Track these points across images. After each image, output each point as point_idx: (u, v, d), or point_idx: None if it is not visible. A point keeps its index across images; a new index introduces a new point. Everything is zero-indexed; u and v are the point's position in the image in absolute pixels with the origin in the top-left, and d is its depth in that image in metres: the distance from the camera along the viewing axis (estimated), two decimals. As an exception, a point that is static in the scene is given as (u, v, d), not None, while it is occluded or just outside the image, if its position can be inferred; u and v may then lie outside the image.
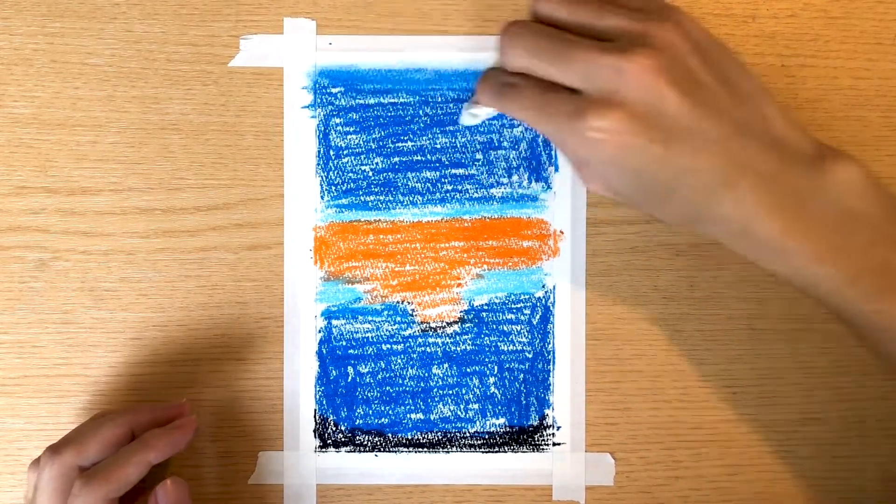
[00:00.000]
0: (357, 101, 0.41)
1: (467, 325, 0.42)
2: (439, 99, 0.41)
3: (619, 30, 0.33)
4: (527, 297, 0.42)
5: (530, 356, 0.42)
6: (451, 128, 0.41)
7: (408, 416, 0.42)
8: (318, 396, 0.42)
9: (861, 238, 0.32)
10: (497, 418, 0.42)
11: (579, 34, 0.33)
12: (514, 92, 0.34)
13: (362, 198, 0.42)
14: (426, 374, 0.42)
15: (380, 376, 0.42)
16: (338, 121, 0.42)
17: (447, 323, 0.42)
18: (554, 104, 0.33)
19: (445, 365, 0.42)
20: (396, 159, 0.42)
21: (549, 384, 0.42)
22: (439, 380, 0.42)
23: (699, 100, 0.32)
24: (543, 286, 0.42)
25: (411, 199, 0.42)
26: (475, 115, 0.39)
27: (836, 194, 0.32)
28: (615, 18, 0.33)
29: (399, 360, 0.42)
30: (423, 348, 0.42)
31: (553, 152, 0.41)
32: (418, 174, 0.41)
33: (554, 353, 0.42)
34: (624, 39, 0.33)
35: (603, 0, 0.35)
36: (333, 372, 0.42)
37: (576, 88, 0.33)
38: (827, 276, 0.32)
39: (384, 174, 0.42)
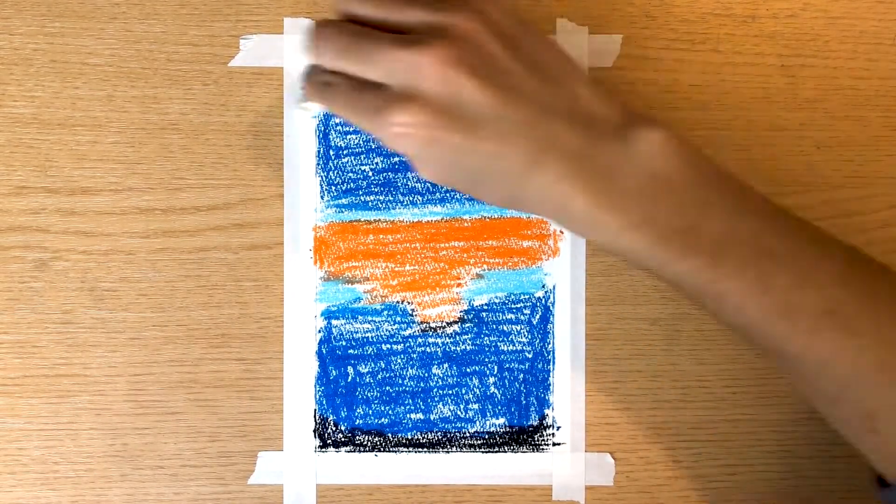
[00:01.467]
0: (357, 101, 0.41)
1: (467, 325, 0.42)
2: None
3: (419, 22, 0.33)
4: (527, 297, 0.42)
5: (530, 356, 0.42)
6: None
7: (408, 416, 0.42)
8: (318, 396, 0.42)
9: (666, 204, 0.32)
10: (497, 418, 0.42)
11: (386, 29, 0.34)
12: (331, 90, 0.35)
13: (362, 198, 0.42)
14: (426, 374, 0.42)
15: (380, 376, 0.42)
16: (337, 120, 0.42)
17: (447, 323, 0.42)
18: (364, 101, 0.33)
19: (445, 365, 0.42)
20: (396, 159, 0.42)
21: (549, 384, 0.42)
22: (439, 380, 0.42)
23: (500, 85, 0.32)
24: (543, 286, 0.42)
25: (411, 199, 0.42)
26: (306, 108, 0.40)
27: (642, 162, 0.33)
28: (416, 11, 0.34)
29: (399, 360, 0.42)
30: (423, 348, 0.42)
31: (553, 152, 0.41)
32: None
33: (554, 353, 0.42)
34: (423, 32, 0.33)
35: None
36: (333, 372, 0.42)
37: (382, 84, 0.33)
38: (636, 244, 0.33)
39: (384, 174, 0.42)
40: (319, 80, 0.35)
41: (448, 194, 0.42)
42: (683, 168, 0.33)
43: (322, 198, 0.42)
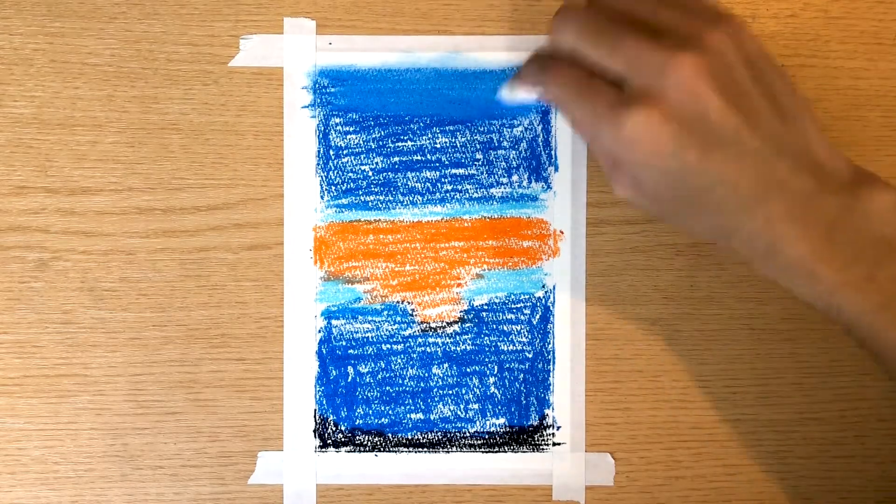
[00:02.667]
0: (357, 101, 0.41)
1: (467, 325, 0.42)
2: (439, 99, 0.41)
3: (672, 27, 0.32)
4: (527, 297, 0.42)
5: (530, 356, 0.42)
6: (451, 127, 0.42)
7: (408, 416, 0.42)
8: (318, 396, 0.42)
9: (891, 268, 0.31)
10: (497, 418, 0.42)
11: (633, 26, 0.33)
12: (557, 69, 0.33)
13: (362, 198, 0.42)
14: (426, 374, 0.42)
15: (380, 376, 0.42)
16: (338, 121, 0.42)
17: (447, 323, 0.42)
18: (595, 90, 0.32)
19: (445, 365, 0.42)
20: (396, 159, 0.42)
21: (549, 384, 0.42)
22: (439, 380, 0.42)
23: (741, 109, 0.31)
24: (543, 286, 0.42)
25: (411, 199, 0.42)
26: (512, 95, 0.37)
27: (870, 221, 0.31)
28: (671, 16, 0.32)
29: (399, 360, 0.42)
30: (423, 348, 0.42)
31: (553, 152, 0.41)
32: (418, 174, 0.41)
33: (554, 353, 0.42)
34: (675, 37, 0.32)
35: None
36: (333, 372, 0.42)
37: (619, 82, 0.32)
38: (853, 304, 0.31)
39: (384, 174, 0.42)
40: (546, 62, 0.33)
41: (448, 194, 0.42)
42: None
43: (322, 198, 0.42)
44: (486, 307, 0.42)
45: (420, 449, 0.42)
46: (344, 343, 0.42)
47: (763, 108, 0.32)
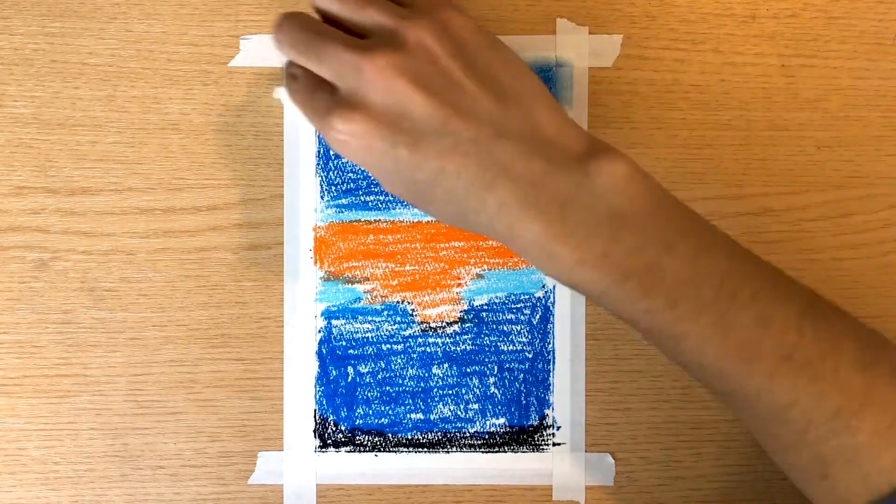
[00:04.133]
0: (357, 101, 0.41)
1: (467, 325, 0.42)
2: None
3: (375, 25, 0.33)
4: (527, 297, 0.42)
5: (530, 356, 0.42)
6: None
7: (408, 416, 0.42)
8: (317, 396, 0.42)
9: (626, 241, 0.31)
10: (497, 418, 0.42)
11: (347, 30, 0.33)
12: (293, 84, 0.34)
13: (362, 198, 0.42)
14: (426, 374, 0.42)
15: (380, 376, 0.42)
16: (338, 121, 0.41)
17: (447, 323, 0.42)
18: (315, 100, 0.33)
19: (445, 365, 0.42)
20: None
21: (549, 384, 0.42)
22: (439, 380, 0.42)
23: (449, 100, 0.31)
24: (543, 286, 0.42)
25: (411, 199, 0.42)
26: (279, 98, 0.41)
27: (601, 195, 0.31)
28: (376, 14, 0.33)
29: (399, 360, 0.42)
30: (423, 348, 0.42)
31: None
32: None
33: (554, 353, 0.42)
34: (378, 37, 0.32)
35: None
36: (333, 372, 0.42)
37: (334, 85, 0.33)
38: (592, 281, 0.31)
39: (384, 174, 0.42)
40: (288, 72, 0.34)
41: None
42: (646, 205, 0.31)
43: (322, 198, 0.42)
44: (486, 307, 0.42)
45: (420, 449, 0.42)
46: (344, 343, 0.42)
47: (476, 95, 0.32)
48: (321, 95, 0.33)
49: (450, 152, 0.31)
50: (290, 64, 0.34)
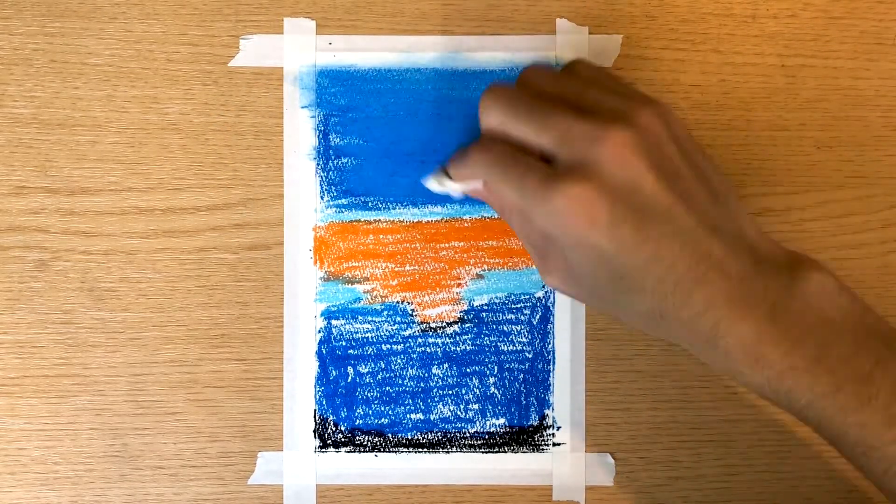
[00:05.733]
0: (357, 101, 0.41)
1: (467, 325, 0.42)
2: (439, 99, 0.41)
3: (601, 106, 0.32)
4: (527, 297, 0.42)
5: (530, 356, 0.42)
6: (451, 127, 0.41)
7: (408, 416, 0.42)
8: (317, 396, 0.42)
9: (840, 349, 0.30)
10: (497, 418, 0.42)
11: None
12: (485, 144, 0.33)
13: (362, 198, 0.42)
14: (426, 375, 0.42)
15: (380, 376, 0.42)
16: (337, 120, 0.41)
17: (447, 323, 0.42)
18: (524, 166, 0.32)
19: (445, 365, 0.42)
20: (396, 159, 0.42)
21: (549, 384, 0.42)
22: (439, 380, 0.42)
23: (675, 186, 0.31)
24: (543, 286, 0.42)
25: (411, 199, 0.42)
26: (441, 182, 0.37)
27: (811, 302, 0.30)
28: (599, 97, 0.32)
29: (399, 360, 0.42)
30: (423, 348, 0.42)
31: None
32: (418, 174, 0.41)
33: (554, 353, 0.42)
34: (605, 114, 0.31)
35: (589, 80, 0.34)
36: (333, 372, 0.42)
37: (548, 158, 0.32)
38: (804, 388, 0.30)
39: (384, 174, 0.42)
40: (468, 149, 0.33)
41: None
42: (854, 316, 0.31)
43: (322, 198, 0.42)
44: (486, 307, 0.42)
45: (420, 449, 0.42)
46: (344, 343, 0.42)
47: (695, 188, 0.31)
48: (534, 163, 0.31)
49: (669, 239, 0.30)
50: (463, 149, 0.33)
